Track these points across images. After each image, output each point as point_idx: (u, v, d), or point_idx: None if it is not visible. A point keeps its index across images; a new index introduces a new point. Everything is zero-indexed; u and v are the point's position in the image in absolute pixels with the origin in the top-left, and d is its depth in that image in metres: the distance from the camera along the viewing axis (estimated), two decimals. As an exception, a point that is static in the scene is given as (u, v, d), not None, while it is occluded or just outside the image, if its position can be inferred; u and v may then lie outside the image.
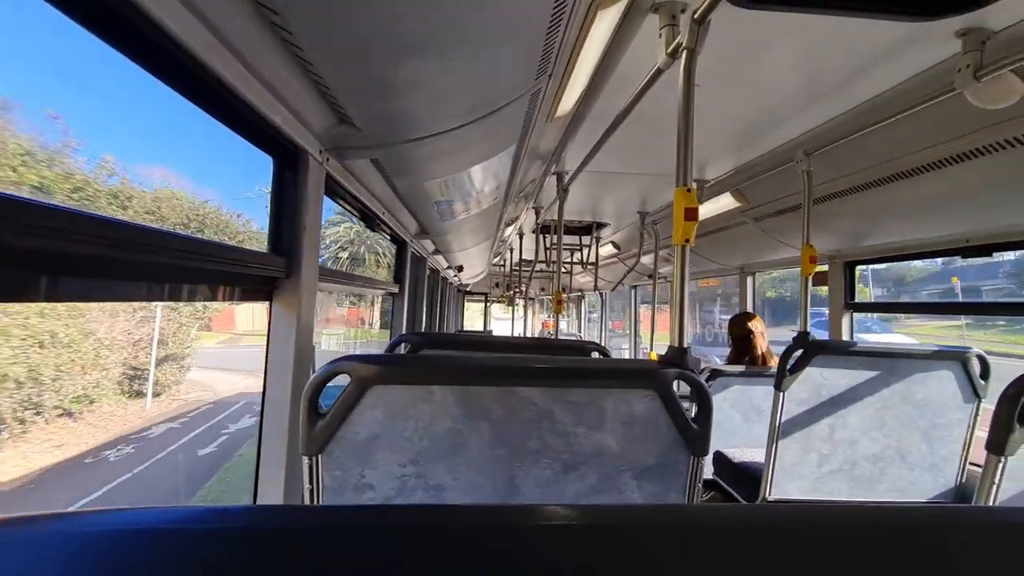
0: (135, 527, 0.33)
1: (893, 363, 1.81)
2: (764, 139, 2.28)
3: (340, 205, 1.83)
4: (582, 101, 1.82)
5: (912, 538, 0.36)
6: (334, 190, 1.61)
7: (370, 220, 2.15)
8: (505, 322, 12.39)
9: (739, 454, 2.41)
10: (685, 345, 1.21)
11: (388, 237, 2.82)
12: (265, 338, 1.28)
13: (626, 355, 6.92)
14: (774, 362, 2.92)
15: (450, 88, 1.18)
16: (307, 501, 0.92)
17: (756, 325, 2.99)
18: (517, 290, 8.05)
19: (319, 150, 1.30)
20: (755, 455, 2.32)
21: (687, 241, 1.19)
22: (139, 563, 0.30)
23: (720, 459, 2.48)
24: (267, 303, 1.27)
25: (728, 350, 3.11)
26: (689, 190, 1.18)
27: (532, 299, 11.49)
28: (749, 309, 3.80)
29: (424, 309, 4.29)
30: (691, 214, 1.17)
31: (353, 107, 1.17)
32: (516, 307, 8.94)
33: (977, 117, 1.54)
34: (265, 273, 1.18)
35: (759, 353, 2.92)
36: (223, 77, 0.89)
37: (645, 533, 0.36)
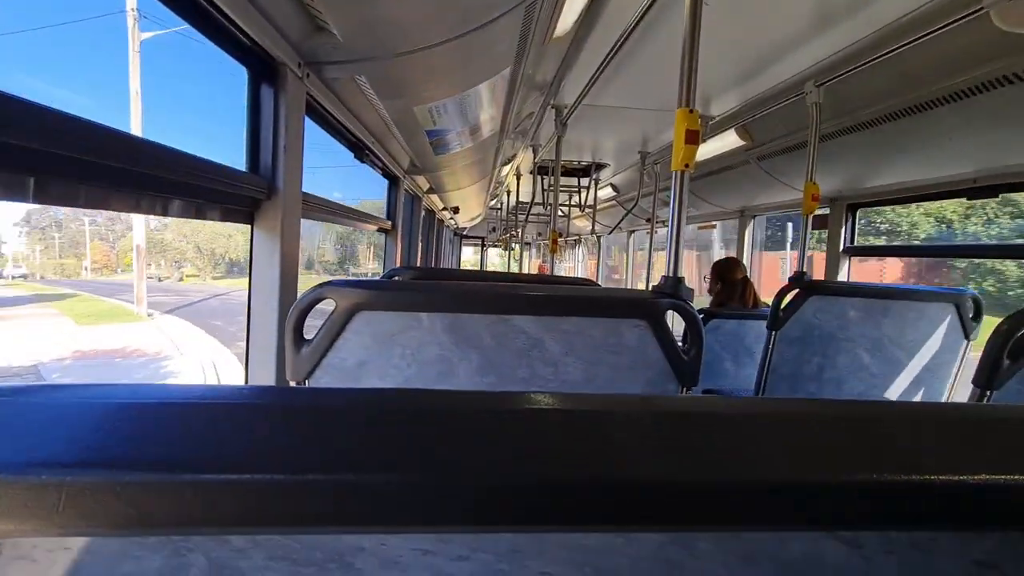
0: (135, 400, 0.32)
1: (887, 305, 1.80)
2: (772, 70, 2.17)
3: (325, 130, 1.74)
4: (582, 21, 1.71)
5: (880, 426, 0.36)
6: (317, 111, 1.52)
7: (359, 150, 2.07)
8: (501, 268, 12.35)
9: (729, 392, 2.45)
10: (680, 275, 1.19)
11: (380, 171, 2.73)
12: (248, 262, 1.25)
13: None
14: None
15: (437, -8, 1.09)
16: None
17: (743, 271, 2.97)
18: (513, 234, 7.97)
19: (298, 63, 1.22)
20: (744, 394, 2.36)
21: (687, 167, 1.14)
22: (145, 432, 0.29)
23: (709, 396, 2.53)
24: (249, 226, 1.23)
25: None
26: (692, 111, 1.11)
27: (529, 244, 11.42)
28: (747, 254, 3.77)
29: (419, 249, 4.24)
30: (692, 137, 1.11)
31: (331, 12, 1.08)
32: (512, 251, 8.89)
33: (999, 43, 1.45)
34: (244, 192, 1.13)
35: (753, 298, 2.90)
36: None
37: (627, 417, 0.35)
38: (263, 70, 1.17)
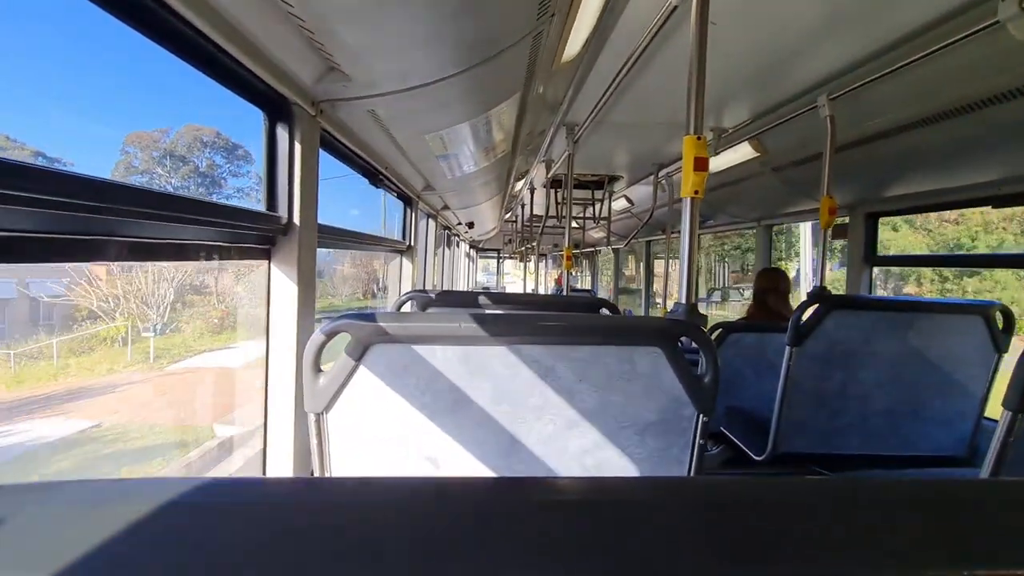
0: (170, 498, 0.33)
1: (912, 318, 1.75)
2: (785, 82, 2.15)
3: (340, 160, 1.78)
4: (590, 44, 1.72)
5: (921, 508, 0.35)
6: (331, 144, 1.56)
7: (373, 176, 2.11)
8: (517, 280, 12.35)
9: (750, 408, 2.40)
10: (694, 301, 1.18)
11: (395, 194, 2.77)
12: (265, 298, 1.27)
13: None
14: None
15: (444, 31, 1.10)
16: (314, 457, 0.93)
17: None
18: (529, 246, 7.98)
19: (311, 102, 1.25)
20: (766, 410, 2.31)
21: (696, 193, 1.14)
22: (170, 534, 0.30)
23: (731, 412, 2.48)
24: (266, 263, 1.26)
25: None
26: (700, 138, 1.11)
27: (544, 256, 11.42)
28: (764, 263, 3.71)
29: (434, 266, 4.28)
30: (701, 164, 1.11)
31: (341, 53, 1.11)
32: (528, 263, 8.89)
33: (1018, 53, 1.42)
34: (261, 232, 1.16)
35: (789, 310, 2.79)
36: (196, 23, 0.84)
37: (649, 505, 0.35)
38: (277, 111, 1.21)
